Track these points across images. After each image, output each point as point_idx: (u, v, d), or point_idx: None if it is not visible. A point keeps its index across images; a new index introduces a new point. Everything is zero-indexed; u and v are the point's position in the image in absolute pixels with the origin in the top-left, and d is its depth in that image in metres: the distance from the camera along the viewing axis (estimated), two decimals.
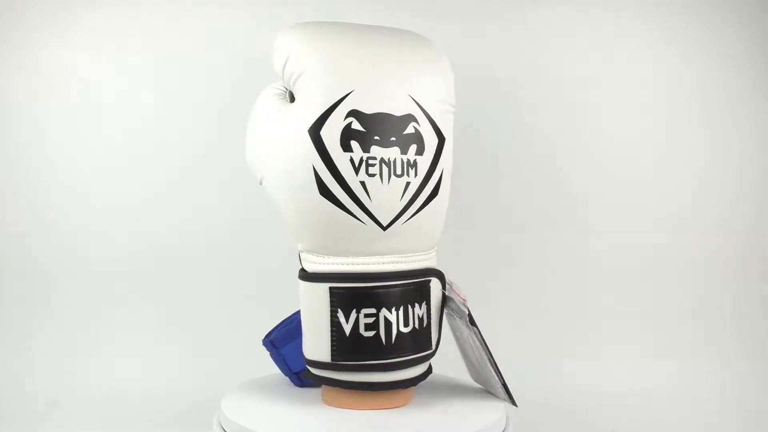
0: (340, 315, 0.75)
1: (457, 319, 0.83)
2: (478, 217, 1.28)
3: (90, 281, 1.24)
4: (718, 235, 1.32)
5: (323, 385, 0.81)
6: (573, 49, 1.30)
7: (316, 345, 0.76)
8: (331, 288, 0.75)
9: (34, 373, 1.18)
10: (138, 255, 1.25)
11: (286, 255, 1.26)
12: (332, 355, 0.76)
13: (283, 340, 0.84)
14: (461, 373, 0.94)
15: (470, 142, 1.25)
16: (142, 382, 1.17)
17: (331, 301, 0.75)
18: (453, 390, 0.87)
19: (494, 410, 0.79)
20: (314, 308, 0.76)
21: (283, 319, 0.87)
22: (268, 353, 0.86)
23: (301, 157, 0.74)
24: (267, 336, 0.86)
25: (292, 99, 0.78)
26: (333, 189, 0.74)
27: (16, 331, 1.22)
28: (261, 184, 0.79)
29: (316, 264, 0.77)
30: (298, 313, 0.81)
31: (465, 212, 1.26)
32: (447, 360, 0.88)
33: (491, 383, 0.85)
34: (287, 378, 0.87)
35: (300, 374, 0.84)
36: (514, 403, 0.82)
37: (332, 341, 0.75)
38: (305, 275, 0.78)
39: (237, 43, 1.26)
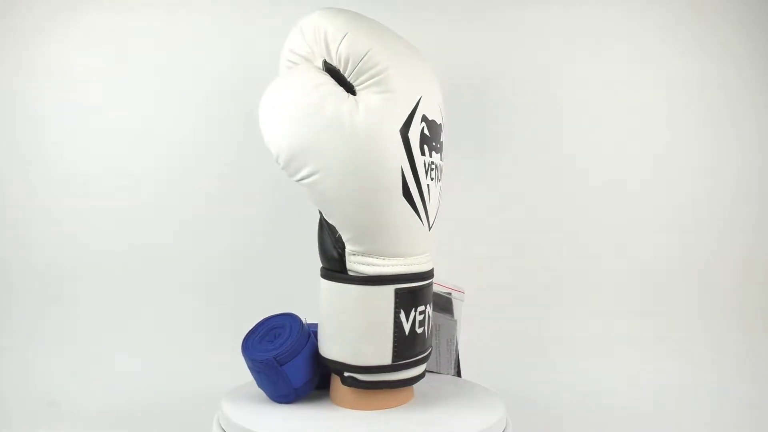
0: (402, 315, 0.76)
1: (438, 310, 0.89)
2: (478, 216, 1.28)
3: (90, 281, 1.24)
4: (720, 236, 1.32)
5: (339, 391, 0.79)
6: (573, 49, 1.30)
7: (376, 349, 0.75)
8: (396, 290, 0.76)
9: (34, 373, 1.18)
10: (138, 255, 1.25)
11: (286, 256, 1.27)
12: (393, 356, 0.76)
13: (290, 356, 0.78)
14: (461, 373, 0.94)
15: (470, 142, 1.25)
16: (142, 383, 1.17)
17: (395, 303, 0.76)
18: (453, 390, 0.87)
19: (494, 411, 0.79)
20: (375, 312, 0.75)
21: (249, 330, 0.82)
22: (251, 370, 0.81)
23: (391, 158, 0.74)
24: (256, 355, 0.78)
25: (350, 91, 0.75)
26: (412, 191, 0.76)
27: (17, 331, 1.22)
28: (303, 179, 0.74)
29: (378, 267, 0.76)
30: (269, 321, 0.81)
31: (465, 212, 1.26)
32: None
33: (441, 363, 0.90)
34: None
35: (300, 389, 0.80)
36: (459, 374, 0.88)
37: (394, 342, 0.76)
38: (364, 279, 0.75)
39: (238, 43, 1.25)
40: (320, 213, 0.78)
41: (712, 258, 1.32)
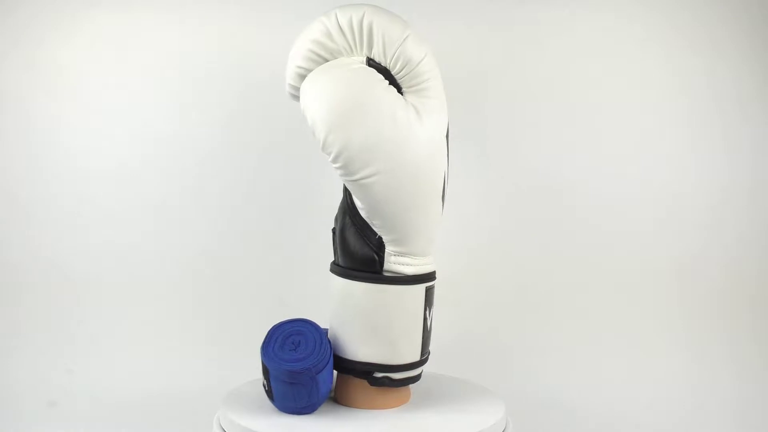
0: (427, 312, 0.79)
1: None
2: (477, 216, 1.28)
3: (90, 282, 1.24)
4: (721, 235, 1.32)
5: (351, 388, 0.80)
6: (573, 50, 1.30)
7: (411, 347, 0.77)
8: (427, 288, 0.78)
9: (34, 373, 1.18)
10: (139, 255, 1.25)
11: (286, 256, 1.27)
12: (421, 352, 0.79)
13: (324, 364, 0.76)
14: (461, 373, 0.94)
15: (470, 142, 1.25)
16: (142, 382, 1.17)
17: (425, 300, 0.78)
18: (453, 390, 0.87)
19: (495, 411, 0.79)
20: (411, 310, 0.77)
21: (265, 339, 0.78)
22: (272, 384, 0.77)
23: (440, 162, 0.77)
24: (292, 365, 0.74)
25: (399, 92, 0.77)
26: (444, 194, 0.79)
27: (17, 331, 1.22)
28: (362, 179, 0.74)
29: (413, 266, 0.77)
30: (283, 327, 0.78)
31: (465, 212, 1.26)
32: (447, 360, 0.89)
33: None
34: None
35: (321, 398, 0.77)
36: None
37: (422, 339, 0.78)
38: (404, 279, 0.77)
39: (238, 44, 1.25)
40: (348, 216, 0.78)
41: (712, 259, 1.32)
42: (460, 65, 1.22)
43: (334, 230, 0.81)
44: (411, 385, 0.83)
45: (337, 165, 0.74)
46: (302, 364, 0.74)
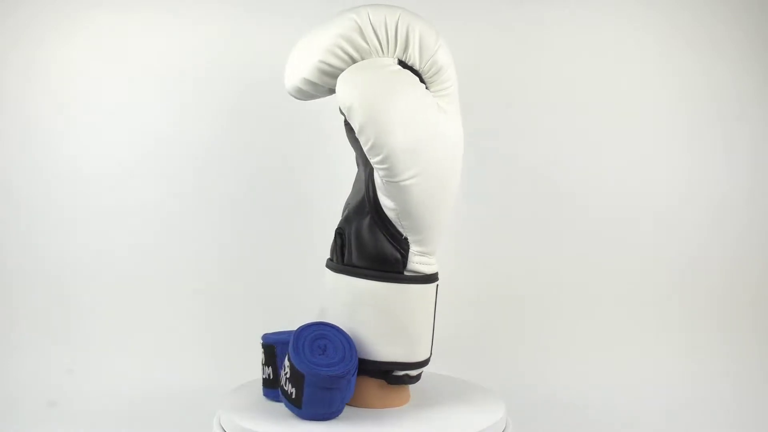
0: (435, 311, 0.81)
1: None
2: (476, 216, 1.28)
3: (90, 281, 1.24)
4: (720, 235, 1.32)
5: (365, 387, 0.80)
6: (574, 51, 1.30)
7: (427, 344, 0.79)
8: (437, 286, 0.80)
9: (34, 373, 1.18)
10: (139, 256, 1.25)
11: (286, 257, 1.27)
12: (431, 349, 0.81)
13: (357, 366, 0.76)
14: (461, 373, 0.94)
15: (470, 141, 1.25)
16: (142, 382, 1.17)
17: (435, 299, 0.80)
18: (453, 390, 0.87)
19: (495, 411, 0.79)
20: (426, 309, 0.79)
21: (293, 343, 0.75)
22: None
23: (460, 164, 0.79)
24: (332, 370, 0.73)
25: None
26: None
27: (17, 331, 1.22)
28: (404, 180, 0.75)
29: (432, 265, 0.80)
30: (307, 330, 0.75)
31: (465, 212, 1.26)
32: (447, 360, 0.88)
33: None
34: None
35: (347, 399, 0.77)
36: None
37: (432, 336, 0.80)
38: (424, 278, 0.78)
39: (238, 44, 1.26)
40: (371, 217, 0.77)
41: (711, 259, 1.32)
42: (459, 65, 1.21)
43: (341, 232, 0.80)
44: (411, 386, 0.83)
45: (383, 167, 0.74)
46: (341, 368, 0.73)
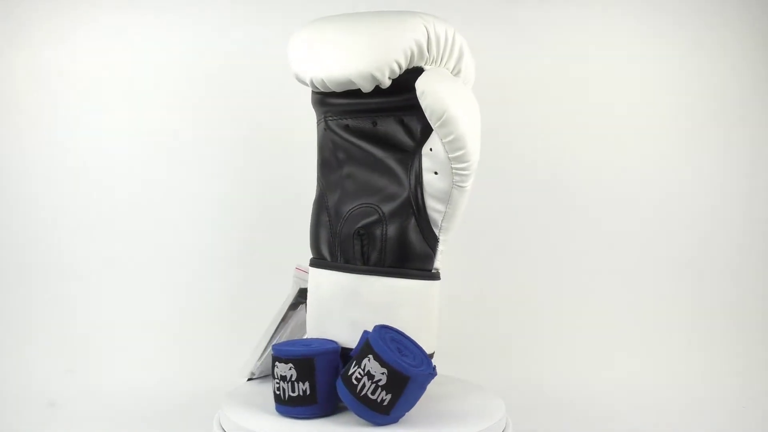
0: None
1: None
2: (477, 216, 1.28)
3: (90, 281, 1.24)
4: (720, 235, 1.32)
5: None
6: (573, 50, 1.30)
7: (435, 339, 0.81)
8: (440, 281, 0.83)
9: (34, 373, 1.18)
10: (138, 255, 1.25)
11: (286, 257, 1.27)
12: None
13: None
14: (461, 373, 0.94)
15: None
16: (142, 382, 1.17)
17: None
18: (453, 390, 0.87)
19: (494, 411, 0.79)
20: (436, 303, 0.81)
21: (380, 344, 0.71)
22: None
23: None
24: (428, 371, 0.71)
25: None
26: None
27: (17, 331, 1.22)
28: (468, 186, 0.79)
29: (441, 262, 0.82)
30: (384, 332, 0.73)
31: (465, 212, 1.26)
32: (446, 360, 0.88)
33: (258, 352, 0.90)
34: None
35: None
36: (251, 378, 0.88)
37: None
38: (438, 274, 0.81)
39: (237, 44, 1.26)
40: (414, 218, 0.78)
41: (710, 259, 1.32)
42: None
43: (361, 233, 0.79)
44: None
45: (466, 173, 0.78)
46: (429, 366, 0.73)
